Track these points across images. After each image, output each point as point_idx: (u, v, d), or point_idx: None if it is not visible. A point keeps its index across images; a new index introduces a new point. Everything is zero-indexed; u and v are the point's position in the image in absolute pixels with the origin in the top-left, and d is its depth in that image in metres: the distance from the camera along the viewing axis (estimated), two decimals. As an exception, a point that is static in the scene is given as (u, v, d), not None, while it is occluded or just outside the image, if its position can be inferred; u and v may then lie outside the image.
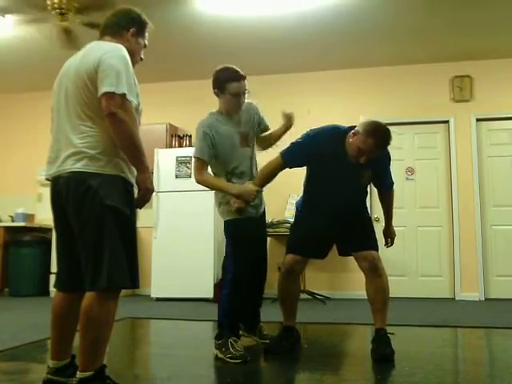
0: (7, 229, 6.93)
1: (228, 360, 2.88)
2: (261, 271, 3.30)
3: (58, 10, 4.82)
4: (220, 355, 2.94)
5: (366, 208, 3.39)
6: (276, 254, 6.73)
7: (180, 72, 6.91)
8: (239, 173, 3.17)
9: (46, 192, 8.32)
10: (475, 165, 6.36)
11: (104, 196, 2.06)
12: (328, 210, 3.12)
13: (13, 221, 7.09)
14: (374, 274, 3.02)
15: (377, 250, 3.10)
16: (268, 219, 6.00)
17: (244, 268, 3.03)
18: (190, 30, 5.62)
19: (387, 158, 3.16)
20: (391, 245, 3.41)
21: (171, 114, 7.12)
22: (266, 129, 3.46)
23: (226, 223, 3.15)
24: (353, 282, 6.40)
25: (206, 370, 2.91)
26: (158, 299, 6.03)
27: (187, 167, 6.20)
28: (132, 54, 2.28)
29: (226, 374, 2.81)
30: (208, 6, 5.05)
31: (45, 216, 7.28)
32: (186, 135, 6.85)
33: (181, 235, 6.10)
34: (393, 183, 3.31)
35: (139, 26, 2.36)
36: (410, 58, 6.43)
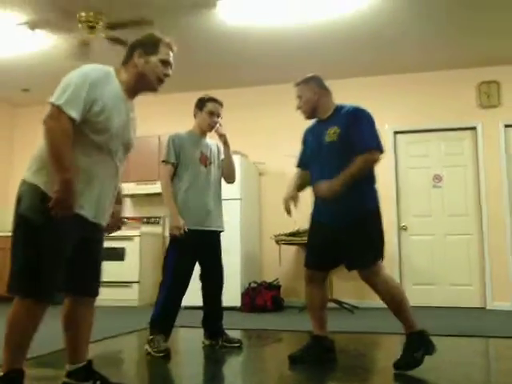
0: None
1: (153, 353, 3.29)
2: (216, 281, 3.78)
3: (87, 23, 4.95)
4: (148, 349, 3.34)
5: (365, 194, 3.13)
6: (303, 262, 6.73)
7: (205, 81, 6.99)
8: (192, 187, 3.59)
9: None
10: (503, 171, 6.27)
11: (21, 204, 2.16)
12: (318, 201, 3.18)
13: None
14: (375, 289, 2.98)
15: (370, 264, 2.96)
16: (295, 227, 6.06)
17: (177, 279, 3.47)
18: (212, 41, 5.68)
19: (355, 117, 3.07)
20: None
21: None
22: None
23: (170, 236, 3.58)
24: (380, 290, 6.36)
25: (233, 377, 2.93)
26: (185, 308, 6.06)
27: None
28: (144, 75, 2.35)
29: (247, 379, 2.82)
30: (230, 16, 5.10)
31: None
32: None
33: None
34: (367, 148, 2.98)
35: (147, 45, 2.39)
36: (435, 64, 6.38)
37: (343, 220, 3.01)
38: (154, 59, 2.37)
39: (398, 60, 6.30)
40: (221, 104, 3.75)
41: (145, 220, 7.18)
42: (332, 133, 3.07)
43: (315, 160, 3.20)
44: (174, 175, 3.60)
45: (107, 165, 2.29)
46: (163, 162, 3.61)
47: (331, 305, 6.00)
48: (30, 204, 2.14)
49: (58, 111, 2.09)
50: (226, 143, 3.79)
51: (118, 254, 6.55)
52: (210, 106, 3.69)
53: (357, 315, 5.60)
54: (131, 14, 4.86)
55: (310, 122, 3.37)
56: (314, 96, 3.20)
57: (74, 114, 2.11)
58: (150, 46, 2.38)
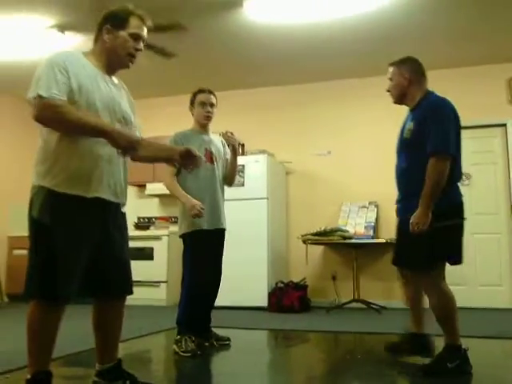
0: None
1: (181, 354, 3.34)
2: (214, 283, 3.70)
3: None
4: (176, 349, 3.39)
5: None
6: (330, 262, 6.75)
7: (231, 82, 7.01)
8: (200, 185, 3.57)
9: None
10: (535, 169, 6.14)
11: (32, 208, 2.16)
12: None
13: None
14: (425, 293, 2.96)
15: (420, 269, 2.86)
16: (321, 227, 6.04)
17: (198, 280, 3.45)
18: (240, 41, 5.70)
19: (431, 112, 2.85)
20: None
21: (225, 124, 7.23)
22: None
23: (183, 236, 3.58)
24: (409, 290, 6.30)
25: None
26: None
27: (240, 175, 6.27)
28: (114, 50, 2.26)
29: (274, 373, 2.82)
30: (258, 14, 5.11)
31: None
32: (239, 144, 6.94)
33: (235, 244, 6.15)
34: (431, 152, 2.76)
35: (115, 18, 2.27)
36: (463, 60, 6.28)
37: (402, 215, 2.96)
38: (123, 34, 2.25)
39: (425, 56, 6.13)
40: (211, 93, 3.71)
41: (173, 220, 7.24)
42: (407, 129, 2.92)
43: (397, 154, 3.06)
44: (179, 174, 3.57)
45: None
46: None
47: (358, 305, 5.99)
48: (39, 206, 2.12)
49: (41, 100, 2.02)
50: (234, 153, 3.77)
51: (146, 254, 6.63)
52: (200, 96, 3.68)
53: (384, 315, 5.55)
54: (161, 17, 4.91)
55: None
56: (403, 81, 3.00)
57: (58, 94, 2.03)
58: (119, 19, 2.26)
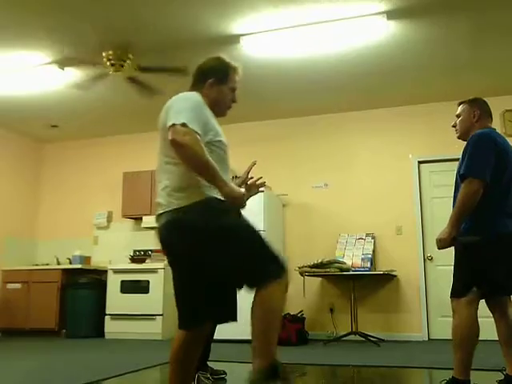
0: (65, 271, 7.15)
1: None
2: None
3: (112, 62, 5.09)
4: None
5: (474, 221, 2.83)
6: (327, 294, 6.70)
7: (229, 115, 7.07)
8: None
9: (102, 235, 8.57)
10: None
11: (188, 226, 2.14)
12: None
13: (70, 263, 7.33)
14: None
15: (453, 296, 2.84)
16: (318, 259, 6.02)
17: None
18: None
19: (467, 145, 2.92)
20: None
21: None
22: None
23: None
24: (407, 323, 6.25)
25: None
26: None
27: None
28: (216, 103, 2.37)
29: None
30: (254, 50, 5.20)
31: (101, 258, 7.51)
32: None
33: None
34: (463, 175, 2.82)
35: (219, 74, 2.39)
36: (459, 94, 6.34)
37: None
38: (225, 89, 2.40)
39: (422, 90, 6.30)
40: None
41: (169, 252, 7.21)
42: (459, 163, 2.97)
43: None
44: None
45: (227, 178, 2.25)
46: None
47: (356, 338, 5.93)
48: (199, 217, 2.10)
49: (183, 127, 2.07)
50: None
51: (142, 287, 6.57)
52: None
53: (383, 348, 5.49)
54: (161, 54, 4.99)
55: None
56: (472, 118, 3.09)
57: (197, 129, 2.10)
58: (222, 74, 2.40)
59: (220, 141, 2.27)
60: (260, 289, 2.10)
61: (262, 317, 2.11)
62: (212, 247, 2.10)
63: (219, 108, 2.41)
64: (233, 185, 2.17)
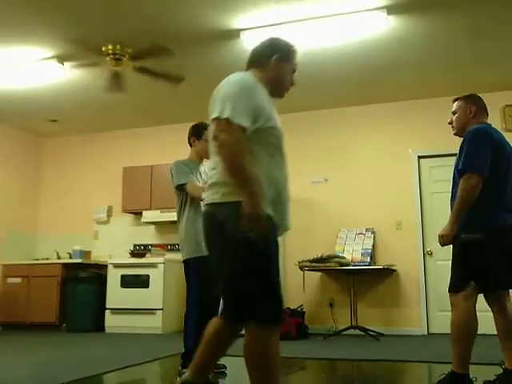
0: (65, 265, 7.16)
1: None
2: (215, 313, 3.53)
3: (112, 56, 5.08)
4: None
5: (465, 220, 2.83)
6: (327, 289, 6.71)
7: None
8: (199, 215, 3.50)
9: (102, 229, 8.58)
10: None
11: (227, 227, 2.07)
12: None
13: (70, 258, 7.34)
14: None
15: (452, 290, 2.86)
16: (318, 254, 6.03)
17: (208, 307, 3.19)
18: (237, 68, 5.76)
19: (465, 140, 2.94)
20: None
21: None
22: None
23: (187, 261, 3.47)
24: (406, 317, 6.27)
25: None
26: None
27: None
28: (278, 80, 2.33)
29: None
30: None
31: (101, 253, 7.52)
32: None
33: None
34: (461, 170, 2.84)
35: (283, 52, 2.36)
36: (459, 89, 6.33)
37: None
38: (288, 67, 2.37)
39: (423, 85, 6.29)
40: None
41: (169, 247, 7.22)
42: (456, 158, 2.98)
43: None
44: (183, 203, 3.53)
45: (283, 166, 2.24)
46: (181, 185, 3.49)
47: (356, 332, 5.95)
48: (237, 224, 1.98)
49: (227, 123, 2.00)
50: None
51: (142, 282, 6.59)
52: (208, 133, 3.66)
53: (382, 342, 5.50)
54: (159, 47, 4.97)
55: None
56: (468, 114, 3.11)
57: (245, 122, 2.03)
58: (286, 53, 2.37)
59: (273, 127, 2.20)
60: (250, 325, 2.08)
61: (256, 363, 2.13)
62: (227, 254, 2.06)
63: (279, 87, 2.35)
64: (262, 203, 1.98)
